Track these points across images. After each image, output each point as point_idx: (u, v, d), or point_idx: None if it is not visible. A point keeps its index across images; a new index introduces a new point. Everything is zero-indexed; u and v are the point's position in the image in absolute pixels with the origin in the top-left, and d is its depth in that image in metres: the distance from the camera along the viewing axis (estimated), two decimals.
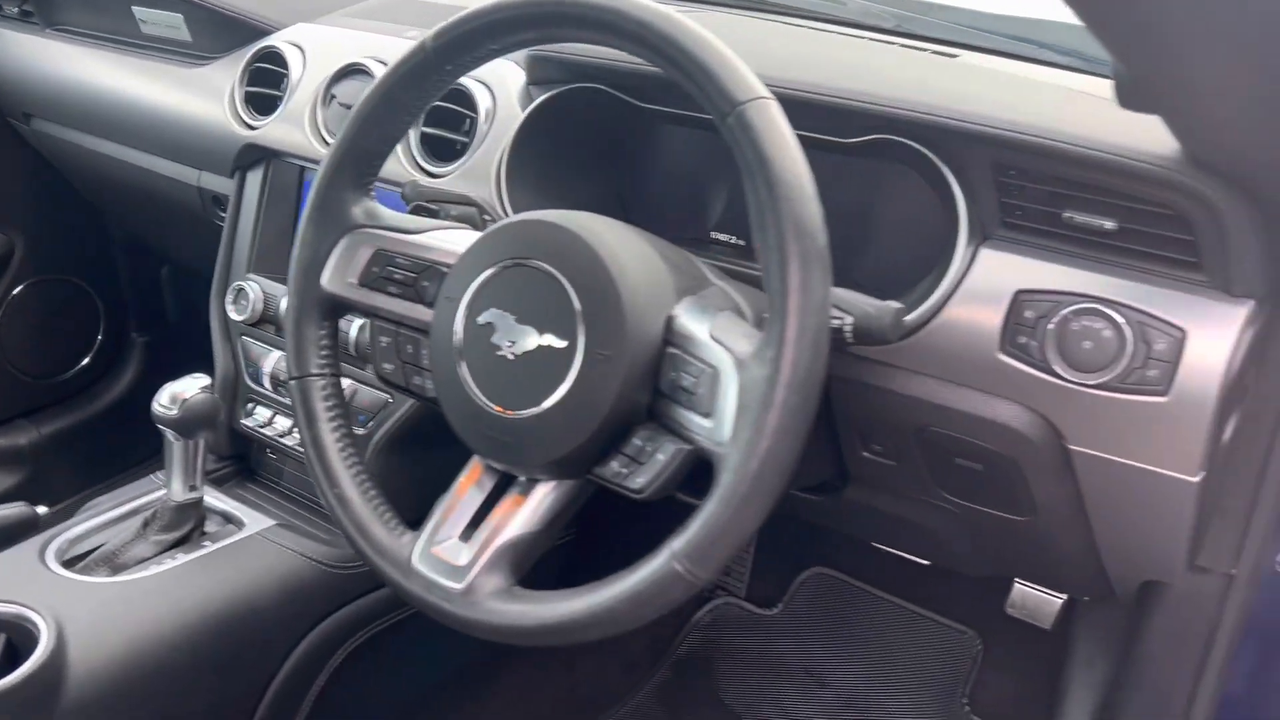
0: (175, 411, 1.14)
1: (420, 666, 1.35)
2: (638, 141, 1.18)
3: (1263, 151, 0.75)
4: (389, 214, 0.95)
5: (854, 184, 1.08)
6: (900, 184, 1.04)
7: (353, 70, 1.31)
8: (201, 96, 1.47)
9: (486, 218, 1.04)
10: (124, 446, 2.02)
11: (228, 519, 1.27)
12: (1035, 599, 1.51)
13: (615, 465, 0.81)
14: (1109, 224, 0.87)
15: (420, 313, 0.92)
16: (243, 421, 1.38)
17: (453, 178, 1.19)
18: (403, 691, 1.35)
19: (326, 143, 1.31)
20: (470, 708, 1.46)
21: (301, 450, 0.99)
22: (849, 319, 0.81)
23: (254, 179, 1.39)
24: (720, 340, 0.77)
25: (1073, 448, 0.94)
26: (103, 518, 1.22)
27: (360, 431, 1.26)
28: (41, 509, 1.25)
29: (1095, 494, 0.97)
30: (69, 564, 1.14)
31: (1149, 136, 0.83)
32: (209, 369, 1.31)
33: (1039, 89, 1.02)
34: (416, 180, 1.04)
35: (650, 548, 0.76)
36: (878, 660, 1.65)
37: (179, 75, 1.53)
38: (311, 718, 1.19)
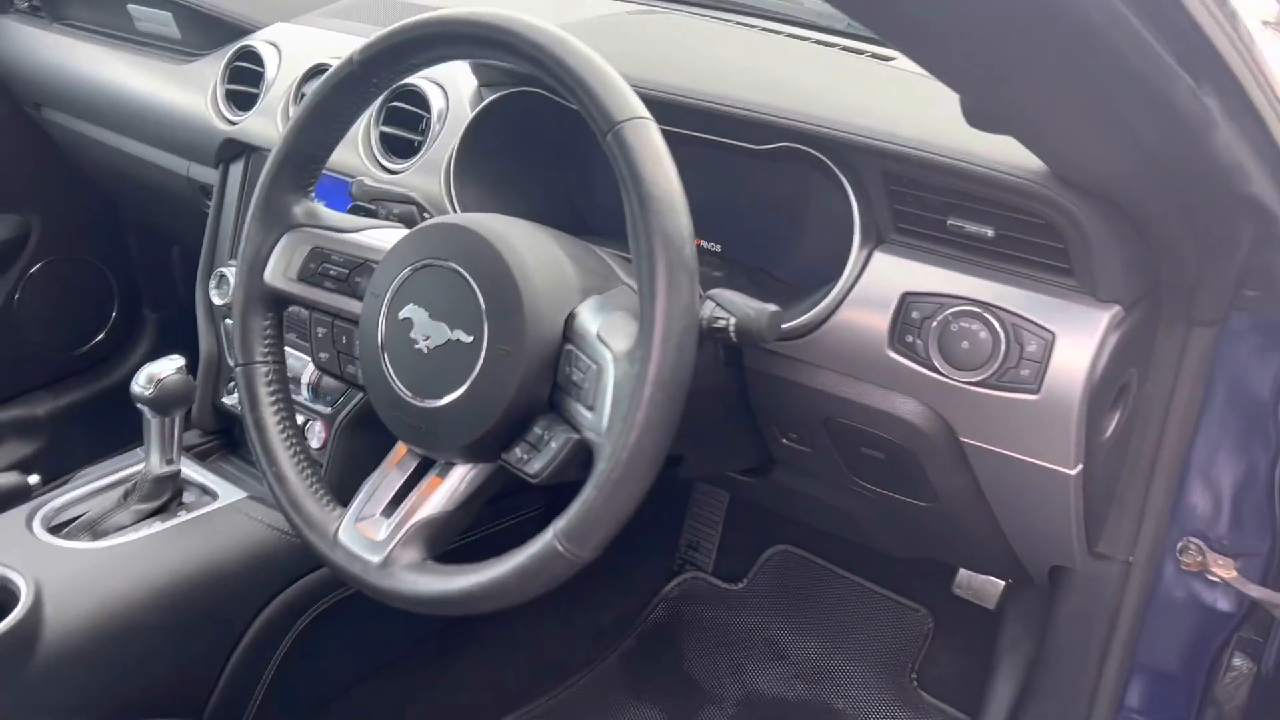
0: (151, 391, 1.23)
1: (385, 634, 1.44)
2: (589, 144, 1.24)
3: (1103, 166, 0.80)
4: (327, 213, 1.03)
5: (784, 184, 1.13)
6: (827, 185, 1.09)
7: (321, 69, 1.39)
8: (188, 91, 1.56)
9: (426, 215, 1.11)
10: (136, 417, 2.13)
11: (204, 490, 1.35)
12: (980, 580, 1.56)
13: (518, 451, 0.88)
14: (988, 232, 0.92)
15: (354, 306, 0.99)
16: (224, 399, 1.47)
17: (409, 173, 1.27)
18: (367, 658, 1.44)
19: None
20: (434, 674, 1.54)
21: None
22: (733, 319, 0.87)
23: (235, 171, 1.48)
24: (603, 339, 0.83)
25: (964, 440, 0.99)
26: (88, 488, 1.31)
27: (326, 411, 1.35)
28: (34, 478, 1.35)
29: (990, 483, 1.03)
30: (54, 530, 1.23)
31: (1025, 150, 0.88)
32: None
33: (940, 101, 1.07)
34: (363, 180, 1.11)
35: None
36: (835, 635, 1.72)
37: (169, 70, 1.62)
38: (276, 680, 1.28)
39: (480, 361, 0.87)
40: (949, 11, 0.60)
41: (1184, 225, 0.87)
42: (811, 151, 0.99)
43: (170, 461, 1.29)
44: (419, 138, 1.28)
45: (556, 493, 0.95)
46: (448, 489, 0.92)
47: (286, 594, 1.28)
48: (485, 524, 1.41)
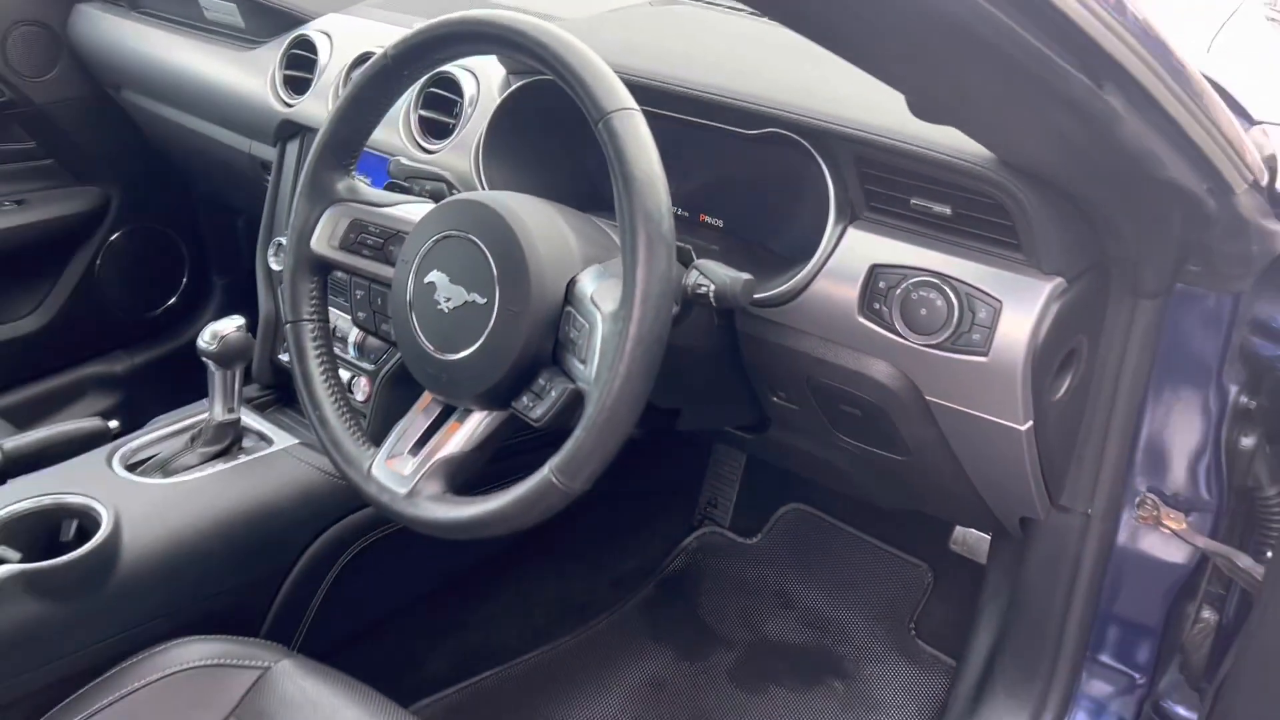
0: (214, 346, 1.38)
1: (422, 570, 1.59)
2: None
3: (1036, 153, 0.90)
4: (366, 189, 1.16)
5: (776, 166, 1.24)
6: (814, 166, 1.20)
7: (367, 57, 1.52)
8: (251, 76, 1.71)
9: (453, 190, 1.24)
10: (203, 372, 2.29)
11: (261, 437, 1.51)
12: (974, 537, 1.67)
13: (525, 399, 1.01)
14: (947, 210, 1.02)
15: (387, 271, 1.12)
16: (280, 356, 1.63)
17: (443, 153, 1.40)
18: (405, 591, 1.59)
19: None
20: (467, 610, 1.69)
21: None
22: (713, 286, 0.99)
23: (292, 149, 1.63)
24: (595, 302, 0.96)
25: (929, 398, 1.10)
26: (160, 432, 1.47)
27: (370, 368, 1.49)
28: (113, 423, 1.51)
29: (956, 437, 1.13)
30: (131, 468, 1.38)
31: None
32: None
33: None
34: (400, 159, 1.24)
35: None
36: (841, 587, 1.83)
37: (234, 56, 1.77)
38: (323, 605, 1.43)
39: (492, 320, 0.99)
40: (844, 15, 0.69)
41: (1119, 205, 0.97)
42: (794, 137, 1.10)
43: (231, 410, 1.43)
44: (453, 121, 1.41)
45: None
46: (465, 432, 1.05)
47: (333, 530, 1.42)
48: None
